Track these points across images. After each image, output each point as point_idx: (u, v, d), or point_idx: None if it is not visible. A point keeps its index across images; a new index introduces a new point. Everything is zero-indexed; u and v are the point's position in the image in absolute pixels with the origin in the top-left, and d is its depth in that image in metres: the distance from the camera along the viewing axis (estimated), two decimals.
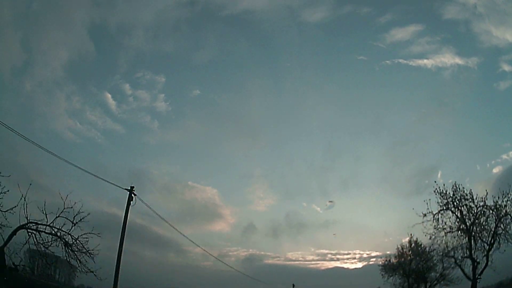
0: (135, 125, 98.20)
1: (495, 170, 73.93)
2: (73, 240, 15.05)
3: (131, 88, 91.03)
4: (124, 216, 22.14)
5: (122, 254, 21.15)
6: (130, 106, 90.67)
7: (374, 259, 71.76)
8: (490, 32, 76.95)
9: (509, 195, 22.53)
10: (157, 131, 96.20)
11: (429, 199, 24.17)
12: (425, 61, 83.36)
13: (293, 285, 45.00)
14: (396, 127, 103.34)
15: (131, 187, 22.34)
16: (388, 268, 36.21)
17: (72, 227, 14.86)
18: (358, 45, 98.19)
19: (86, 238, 15.28)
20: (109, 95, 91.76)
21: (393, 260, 36.29)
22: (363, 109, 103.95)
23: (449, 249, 24.88)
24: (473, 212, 23.55)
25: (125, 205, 22.16)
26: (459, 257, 24.65)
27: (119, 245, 21.14)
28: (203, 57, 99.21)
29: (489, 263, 23.09)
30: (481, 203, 23.25)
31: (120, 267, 20.92)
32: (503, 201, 22.63)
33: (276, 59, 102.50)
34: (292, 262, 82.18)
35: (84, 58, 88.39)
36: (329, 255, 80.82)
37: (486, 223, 23.31)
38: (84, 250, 15.19)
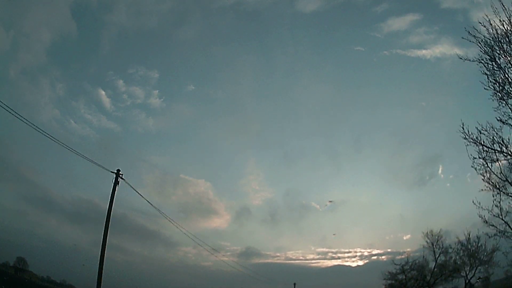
0: (126, 117, 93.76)
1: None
2: None
3: (117, 77, 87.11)
4: (110, 202, 19.27)
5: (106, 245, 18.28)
6: (120, 98, 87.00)
7: (375, 257, 69.30)
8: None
9: None
10: (147, 121, 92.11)
11: None
12: (424, 51, 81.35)
13: (294, 284, 40.43)
14: (395, 118, 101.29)
15: (117, 170, 19.80)
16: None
17: None
18: (355, 35, 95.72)
19: None
20: (101, 90, 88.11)
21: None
22: (360, 93, 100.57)
23: None
24: None
25: (110, 191, 19.49)
26: None
27: (104, 234, 18.24)
28: (188, 33, 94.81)
29: None
30: None
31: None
32: None
33: (266, 42, 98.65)
34: (293, 261, 78.82)
35: (67, 39, 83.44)
36: (330, 254, 77.74)
37: None
38: None
